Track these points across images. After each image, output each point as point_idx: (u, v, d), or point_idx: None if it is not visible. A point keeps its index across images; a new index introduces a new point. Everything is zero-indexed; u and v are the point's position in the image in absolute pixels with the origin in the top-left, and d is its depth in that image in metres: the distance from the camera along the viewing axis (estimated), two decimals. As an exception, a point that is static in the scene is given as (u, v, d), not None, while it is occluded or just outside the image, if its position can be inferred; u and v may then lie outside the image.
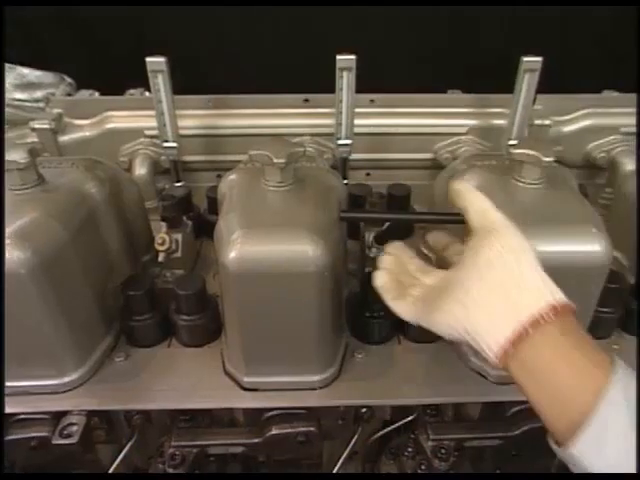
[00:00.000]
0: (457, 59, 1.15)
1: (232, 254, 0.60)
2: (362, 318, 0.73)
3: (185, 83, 1.01)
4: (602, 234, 0.62)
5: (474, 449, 0.73)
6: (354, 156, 1.05)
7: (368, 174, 1.10)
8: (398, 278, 0.60)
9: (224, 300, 0.65)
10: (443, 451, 0.66)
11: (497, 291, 0.47)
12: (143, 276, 0.76)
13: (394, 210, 0.90)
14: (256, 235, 0.61)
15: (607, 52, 1.18)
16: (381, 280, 0.60)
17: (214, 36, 1.18)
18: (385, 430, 0.78)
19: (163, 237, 0.79)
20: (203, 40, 1.18)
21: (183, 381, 0.70)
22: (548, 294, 0.46)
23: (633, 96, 1.07)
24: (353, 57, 0.90)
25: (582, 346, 0.44)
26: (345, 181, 1.01)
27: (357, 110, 1.02)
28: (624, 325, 0.78)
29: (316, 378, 0.68)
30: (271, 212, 0.65)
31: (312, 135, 1.04)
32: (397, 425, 0.77)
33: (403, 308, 0.57)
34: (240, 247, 0.60)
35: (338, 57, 0.90)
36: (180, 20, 1.15)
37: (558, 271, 0.61)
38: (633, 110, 1.08)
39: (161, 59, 0.88)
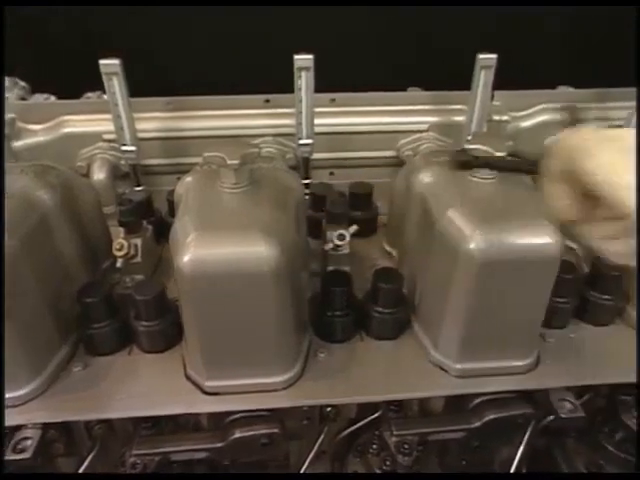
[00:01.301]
0: (416, 57, 1.17)
1: (186, 257, 0.59)
2: (324, 317, 0.73)
3: (145, 85, 1.00)
4: (554, 227, 0.64)
5: (439, 442, 0.73)
6: (317, 155, 1.06)
7: (332, 173, 1.10)
8: None
9: (181, 304, 0.64)
10: (406, 446, 0.67)
11: None
12: (100, 282, 0.74)
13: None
14: (210, 237, 0.60)
15: (560, 49, 1.21)
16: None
17: (174, 37, 1.16)
18: (351, 428, 0.78)
19: (121, 242, 0.78)
20: (163, 41, 1.16)
21: (144, 388, 0.69)
22: None
23: (586, 91, 1.11)
24: (311, 57, 0.90)
25: None
26: (307, 181, 1.01)
27: (318, 109, 1.02)
28: (581, 314, 0.80)
29: (278, 379, 0.68)
30: (226, 214, 0.65)
31: (274, 135, 1.04)
32: (363, 423, 0.77)
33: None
34: (194, 250, 0.59)
35: (296, 57, 0.90)
36: (138, 21, 1.13)
37: (512, 263, 0.63)
38: (587, 105, 1.11)
39: (115, 61, 0.87)
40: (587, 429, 0.79)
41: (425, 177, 0.74)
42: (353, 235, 0.94)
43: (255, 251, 0.60)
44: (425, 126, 1.06)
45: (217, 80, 1.09)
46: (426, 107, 1.06)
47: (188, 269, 0.59)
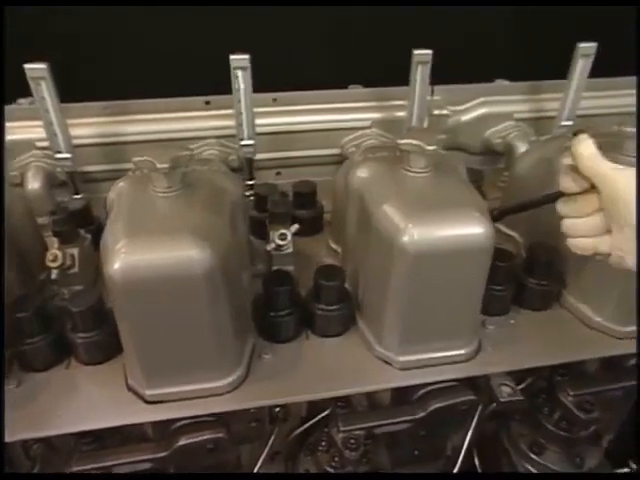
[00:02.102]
0: (356, 55, 1.17)
1: (117, 264, 0.58)
2: (267, 318, 0.73)
3: (79, 89, 0.97)
4: (484, 217, 0.65)
5: (387, 435, 0.74)
6: (263, 156, 1.05)
7: (278, 173, 1.10)
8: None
9: (115, 312, 0.62)
10: (352, 441, 0.67)
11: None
12: (32, 296, 0.72)
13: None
14: (141, 243, 0.59)
15: (496, 44, 1.24)
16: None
17: (109, 40, 1.13)
18: (302, 428, 0.78)
19: (54, 253, 0.75)
20: (97, 44, 1.12)
21: (83, 402, 0.67)
22: None
23: (523, 84, 1.14)
24: (246, 57, 0.89)
25: None
26: (252, 182, 1.00)
27: (260, 110, 1.01)
28: (520, 300, 0.82)
29: (221, 383, 0.67)
30: (158, 218, 0.63)
31: (216, 137, 1.03)
32: (313, 422, 0.77)
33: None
34: (125, 257, 0.58)
35: (232, 57, 0.89)
36: (71, 21, 1.10)
37: (445, 254, 0.64)
38: (524, 97, 1.15)
39: (42, 65, 0.84)
40: (530, 411, 0.82)
41: (361, 173, 0.75)
42: (299, 234, 0.94)
43: (187, 255, 0.59)
44: (368, 123, 1.07)
45: (156, 83, 1.08)
46: (368, 104, 1.07)
47: (119, 276, 0.58)
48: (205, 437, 0.65)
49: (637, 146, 0.83)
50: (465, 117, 1.12)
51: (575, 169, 0.56)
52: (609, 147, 0.79)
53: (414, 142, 0.68)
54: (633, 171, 0.53)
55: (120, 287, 0.58)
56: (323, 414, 0.77)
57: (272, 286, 0.72)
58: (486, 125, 1.13)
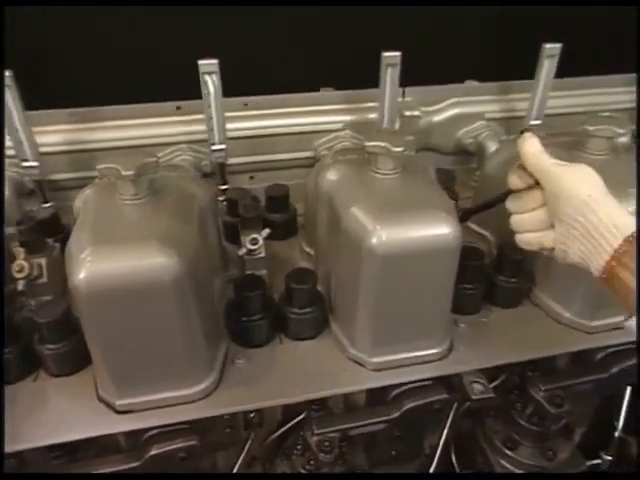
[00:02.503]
0: (327, 57, 1.18)
1: (82, 274, 0.57)
2: (239, 323, 0.73)
3: (50, 97, 0.95)
4: (451, 217, 0.66)
5: (363, 436, 0.74)
6: (236, 160, 1.05)
7: (252, 177, 1.09)
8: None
9: (82, 323, 0.61)
10: (327, 444, 0.67)
11: (581, 236, 0.53)
12: (-2, 308, 0.70)
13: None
14: (106, 252, 0.58)
15: (467, 46, 1.26)
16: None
17: (78, 44, 1.11)
18: (278, 432, 0.78)
19: (20, 264, 0.74)
20: (65, 48, 1.11)
21: (53, 414, 0.66)
22: (619, 230, 0.51)
23: (493, 84, 1.16)
24: (215, 61, 0.88)
25: None
26: (225, 186, 1.00)
27: (232, 114, 1.01)
28: (491, 298, 0.83)
29: (193, 390, 0.66)
30: (124, 226, 0.63)
31: (188, 142, 1.02)
32: (289, 425, 0.77)
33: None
34: (90, 266, 0.57)
35: (200, 62, 0.88)
36: (37, 26, 1.08)
37: (413, 255, 0.65)
38: (494, 97, 1.16)
39: (6, 73, 0.82)
40: (504, 407, 0.83)
41: (331, 176, 0.75)
42: (273, 237, 0.94)
43: (154, 262, 0.58)
44: (341, 125, 1.08)
45: (126, 89, 1.06)
46: (340, 106, 1.08)
47: (84, 286, 0.57)
48: (177, 446, 0.65)
49: (637, 146, 0.84)
50: (437, 118, 1.13)
51: (522, 167, 0.58)
52: (573, 145, 0.81)
53: (381, 144, 0.68)
54: (576, 167, 0.55)
55: (85, 297, 0.57)
56: (299, 418, 0.77)
57: (243, 291, 0.72)
58: (457, 125, 1.14)
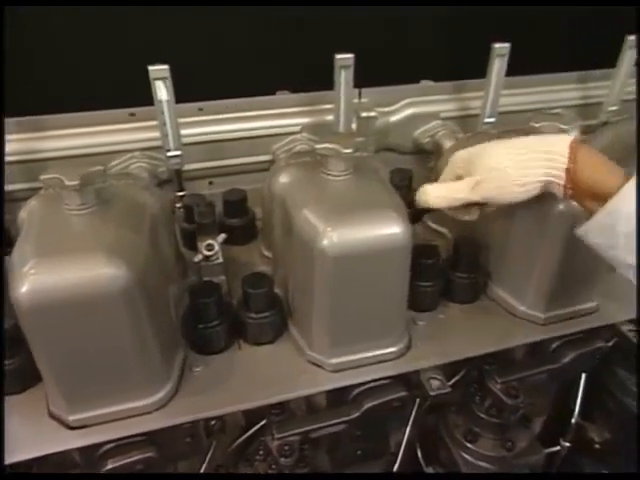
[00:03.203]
0: (282, 60, 1.18)
1: (24, 288, 0.55)
2: (196, 330, 0.72)
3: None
4: (401, 217, 0.67)
5: (326, 438, 0.74)
6: (193, 166, 1.04)
7: (211, 182, 1.08)
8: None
9: (27, 338, 0.60)
10: (287, 448, 0.67)
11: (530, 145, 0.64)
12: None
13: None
14: (50, 263, 0.57)
15: (421, 46, 1.28)
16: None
17: (24, 49, 1.08)
18: (241, 439, 0.78)
19: (-34, 279, 0.71)
20: (13, 54, 1.08)
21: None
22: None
23: (447, 84, 1.17)
24: (166, 67, 0.87)
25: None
26: (182, 193, 0.98)
27: (188, 119, 1.00)
28: (448, 295, 0.84)
29: (148, 401, 0.65)
30: (70, 237, 0.61)
31: (143, 150, 1.00)
32: (252, 432, 0.77)
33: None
34: (33, 278, 0.56)
35: (150, 68, 0.87)
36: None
37: (364, 255, 0.65)
38: (449, 97, 1.18)
39: (-54, 83, 0.80)
40: (464, 401, 0.84)
41: (283, 179, 0.75)
42: (233, 242, 0.94)
43: (101, 274, 0.57)
44: (298, 128, 1.08)
45: (78, 95, 1.04)
46: (297, 109, 1.07)
47: (26, 300, 0.55)
48: (133, 458, 0.64)
49: (637, 143, 0.87)
50: (393, 118, 1.14)
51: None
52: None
53: (330, 146, 0.69)
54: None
55: (29, 311, 0.56)
56: (262, 423, 0.77)
57: (198, 298, 0.71)
58: (414, 125, 1.16)
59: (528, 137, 0.66)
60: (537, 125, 0.79)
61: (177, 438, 0.70)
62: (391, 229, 0.66)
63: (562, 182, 0.61)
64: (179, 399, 0.68)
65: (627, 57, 1.11)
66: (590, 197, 0.60)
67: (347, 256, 0.64)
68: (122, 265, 0.58)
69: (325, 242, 0.63)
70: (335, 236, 0.63)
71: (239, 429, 0.81)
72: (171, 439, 0.70)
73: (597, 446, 0.93)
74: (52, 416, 0.65)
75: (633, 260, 0.56)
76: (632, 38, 1.09)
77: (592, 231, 0.60)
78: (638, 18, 1.09)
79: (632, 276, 0.57)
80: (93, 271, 0.57)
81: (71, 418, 0.63)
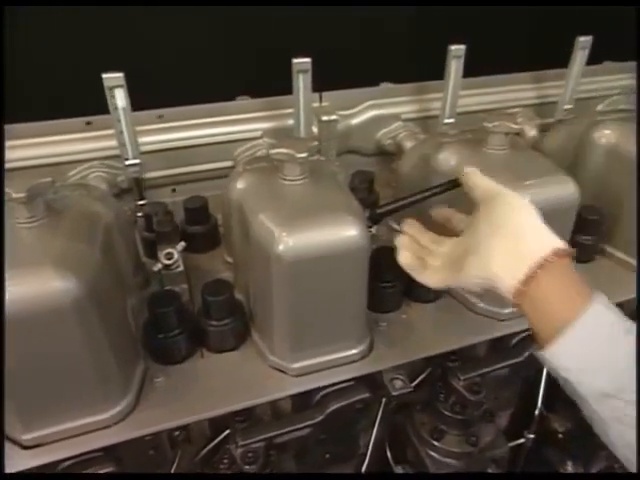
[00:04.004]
0: (240, 65, 1.18)
1: (-31, 306, 0.54)
2: (156, 340, 0.71)
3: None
4: (357, 220, 0.67)
5: (292, 442, 0.74)
6: (155, 174, 1.03)
7: (174, 190, 1.08)
8: (417, 254, 0.67)
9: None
10: (250, 455, 0.67)
11: (509, 242, 0.55)
12: None
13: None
14: (-3, 280, 0.56)
15: (381, 48, 1.29)
16: (405, 259, 0.67)
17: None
18: (207, 448, 0.77)
19: None
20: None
21: (-47, 457, 0.62)
22: (551, 242, 0.54)
23: (407, 86, 1.19)
24: (120, 75, 0.86)
25: (571, 281, 0.53)
26: (142, 202, 0.97)
27: (147, 127, 0.99)
28: (410, 295, 0.85)
29: (107, 415, 0.64)
30: (18, 251, 0.60)
31: (101, 159, 0.99)
32: (217, 440, 0.76)
33: (430, 278, 0.64)
34: (-22, 296, 0.54)
35: (104, 76, 0.86)
36: None
37: (321, 259, 0.66)
38: (409, 98, 1.20)
39: None
40: (429, 399, 0.85)
41: (240, 184, 0.75)
42: (196, 250, 0.93)
43: (50, 287, 0.56)
44: (259, 133, 1.08)
45: (30, 105, 1.02)
46: (257, 114, 1.08)
47: (-28, 318, 0.54)
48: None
49: (637, 143, 0.88)
50: (355, 121, 1.15)
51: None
52: (477, 142, 0.85)
53: (285, 151, 0.69)
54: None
55: (-26, 329, 0.54)
56: (227, 431, 0.76)
57: (157, 307, 0.70)
58: (376, 127, 1.17)
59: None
60: (490, 125, 0.81)
61: (140, 451, 0.69)
62: (347, 232, 0.66)
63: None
64: (140, 411, 0.67)
65: (579, 57, 1.14)
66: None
67: (303, 260, 0.64)
68: (71, 277, 0.57)
69: (281, 247, 0.63)
70: (291, 241, 0.64)
71: (205, 438, 0.80)
72: (133, 452, 0.69)
73: (560, 436, 0.95)
74: (6, 436, 0.63)
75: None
76: (583, 39, 1.12)
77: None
78: (638, 18, 1.12)
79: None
80: (42, 285, 0.56)
81: (25, 437, 0.62)
